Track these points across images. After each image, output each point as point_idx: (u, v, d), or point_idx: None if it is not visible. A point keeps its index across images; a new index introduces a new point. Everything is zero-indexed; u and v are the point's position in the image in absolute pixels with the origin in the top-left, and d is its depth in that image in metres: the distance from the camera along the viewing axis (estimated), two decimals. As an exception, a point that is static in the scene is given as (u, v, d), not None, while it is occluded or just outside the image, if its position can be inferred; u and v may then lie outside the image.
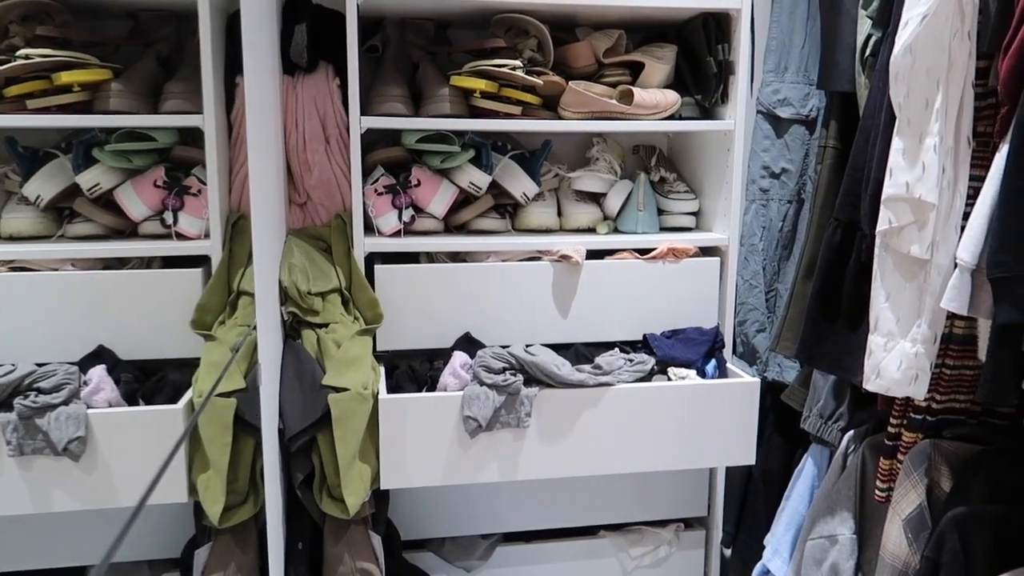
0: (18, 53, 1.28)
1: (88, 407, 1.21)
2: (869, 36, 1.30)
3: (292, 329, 1.42)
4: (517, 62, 1.47)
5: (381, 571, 1.39)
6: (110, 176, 1.40)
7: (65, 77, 1.30)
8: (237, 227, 1.42)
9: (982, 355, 1.09)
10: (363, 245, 1.47)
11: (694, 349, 1.54)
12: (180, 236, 1.41)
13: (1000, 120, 1.05)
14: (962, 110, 1.10)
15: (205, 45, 1.33)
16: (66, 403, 1.19)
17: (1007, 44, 1.01)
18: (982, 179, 1.07)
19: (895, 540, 1.18)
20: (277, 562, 1.30)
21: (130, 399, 1.31)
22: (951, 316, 1.13)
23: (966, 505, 1.09)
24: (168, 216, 1.40)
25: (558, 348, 1.51)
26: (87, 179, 1.39)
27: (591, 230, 1.65)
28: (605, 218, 1.67)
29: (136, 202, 1.41)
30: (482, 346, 1.48)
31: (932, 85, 1.10)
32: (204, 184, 1.40)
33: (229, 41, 1.42)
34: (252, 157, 1.19)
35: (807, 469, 1.47)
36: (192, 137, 1.42)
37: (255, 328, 1.25)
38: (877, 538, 1.23)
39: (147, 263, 1.43)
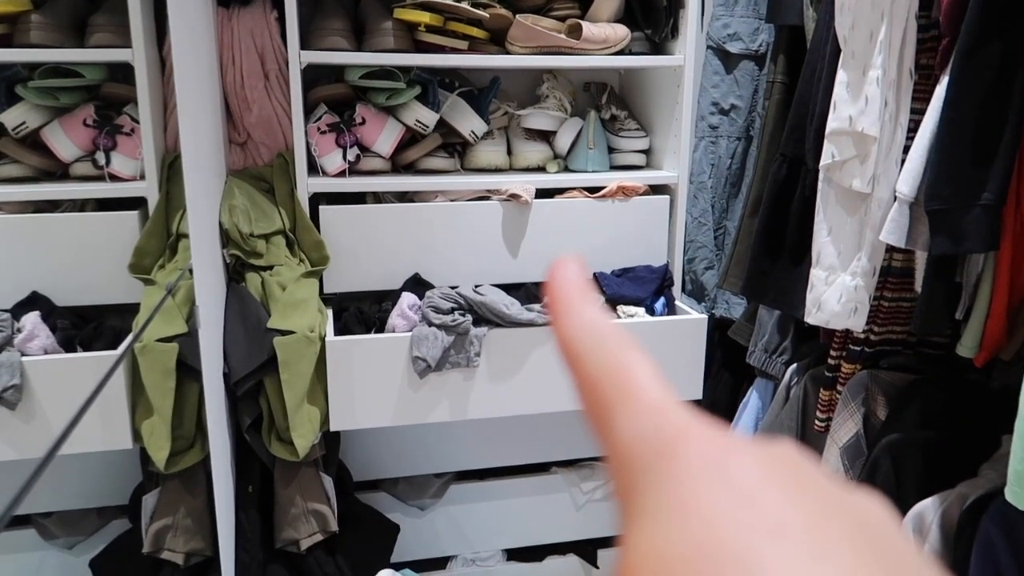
0: (-75, -18, 1.19)
1: (22, 354, 1.18)
2: (817, -32, 1.28)
3: (235, 272, 1.39)
4: (462, -6, 1.42)
5: (333, 512, 1.40)
6: (36, 115, 1.33)
7: (-21, 8, 1.23)
8: (174, 167, 1.36)
9: (919, 287, 1.12)
10: (307, 185, 1.44)
11: (643, 287, 1.54)
12: (114, 177, 1.35)
13: (941, 52, 1.05)
14: (905, 42, 1.10)
15: (131, -27, 1.26)
16: (-2, 351, 1.15)
17: (950, -25, 1.01)
18: (923, 112, 1.07)
19: (832, 467, 1.22)
20: (225, 508, 1.29)
21: (67, 346, 1.27)
22: (890, 249, 1.15)
23: (899, 432, 1.13)
24: (100, 156, 1.34)
25: (508, 288, 1.50)
26: (11, 118, 1.32)
27: (541, 168, 1.63)
28: (555, 156, 1.65)
29: (65, 142, 1.34)
30: (431, 287, 1.47)
31: (876, 16, 1.09)
32: (137, 123, 1.34)
33: (158, -32, 1.35)
34: (181, 93, 1.14)
35: (752, 402, 1.50)
36: (122, 73, 1.35)
37: (191, 271, 1.21)
38: (816, 466, 1.27)
39: (80, 206, 1.38)
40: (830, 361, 1.27)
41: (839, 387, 1.25)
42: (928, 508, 1.04)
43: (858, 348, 1.23)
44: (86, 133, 1.34)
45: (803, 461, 0.18)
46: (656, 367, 0.20)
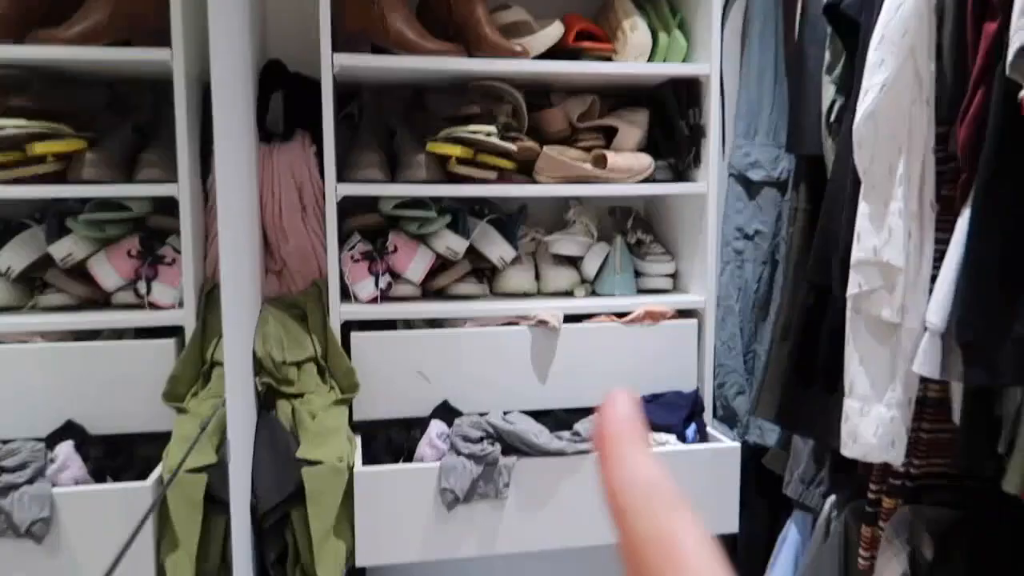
0: (-10, 125, 1.28)
1: (54, 485, 1.18)
2: (834, 102, 1.33)
3: (266, 400, 1.40)
4: (492, 128, 1.48)
5: (357, 650, 1.35)
6: (83, 246, 1.39)
7: (39, 148, 1.30)
8: (211, 296, 1.40)
9: (956, 418, 1.09)
10: (339, 312, 1.47)
11: (674, 413, 1.53)
12: (153, 306, 1.39)
13: (961, 186, 1.07)
14: (924, 175, 1.12)
15: (180, 114, 1.34)
16: (30, 482, 1.16)
17: (964, 111, 1.04)
18: (947, 241, 1.08)
19: (880, 609, 1.16)
20: (248, 644, 1.26)
21: (99, 475, 1.27)
22: (925, 379, 1.14)
23: (950, 573, 1.07)
24: (142, 286, 1.39)
25: (537, 415, 1.49)
26: (60, 249, 1.38)
27: (569, 293, 1.65)
28: (583, 281, 1.68)
29: (109, 272, 1.39)
30: (460, 414, 1.46)
31: (894, 151, 1.12)
32: (178, 252, 1.40)
33: (207, 110, 1.43)
34: (222, 225, 1.19)
35: (790, 536, 1.45)
36: (167, 206, 1.42)
37: (225, 401, 1.23)
38: (862, 607, 1.21)
39: (119, 334, 1.41)
40: (870, 495, 1.23)
41: (881, 523, 1.21)
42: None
43: (899, 482, 1.19)
44: (129, 263, 1.40)
45: None
46: (703, 531, 0.20)
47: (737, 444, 1.48)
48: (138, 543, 1.20)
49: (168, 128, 1.37)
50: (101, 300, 1.43)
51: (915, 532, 1.15)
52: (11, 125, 1.29)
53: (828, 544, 1.30)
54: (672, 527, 0.20)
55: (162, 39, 1.32)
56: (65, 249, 1.38)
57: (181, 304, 1.39)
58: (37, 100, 1.36)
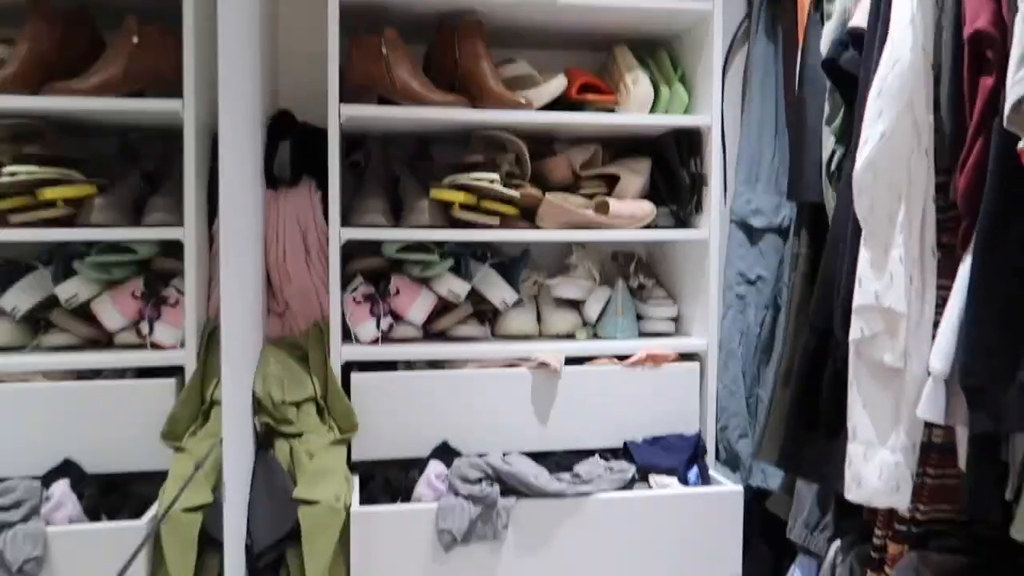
0: (4, 170, 1.30)
1: (48, 524, 1.17)
2: (834, 151, 1.34)
3: (265, 439, 1.39)
4: (495, 175, 1.50)
5: None
6: (88, 287, 1.41)
7: (49, 193, 1.32)
8: (213, 337, 1.41)
9: (962, 464, 1.08)
10: (340, 353, 1.47)
11: (676, 456, 1.51)
12: (156, 346, 1.40)
13: (962, 233, 1.07)
14: (925, 222, 1.13)
15: (189, 162, 1.37)
16: (24, 520, 1.15)
17: (963, 161, 1.05)
18: (949, 287, 1.08)
19: (888, 661, 1.13)
20: None
21: (93, 514, 1.26)
22: (929, 424, 1.13)
23: (957, 624, 1.05)
24: (144, 326, 1.40)
25: (537, 456, 1.48)
26: (65, 290, 1.39)
27: (571, 336, 1.65)
28: (584, 324, 1.68)
29: (113, 313, 1.40)
30: (459, 455, 1.45)
31: (894, 199, 1.13)
32: (182, 294, 1.41)
33: (215, 157, 1.46)
34: (224, 267, 1.20)
35: (795, 583, 1.42)
36: (173, 249, 1.43)
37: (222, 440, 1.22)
38: (870, 659, 1.18)
39: (121, 373, 1.42)
40: (875, 540, 1.21)
41: (887, 569, 1.18)
42: None
43: (904, 527, 1.17)
44: (133, 304, 1.41)
45: None
46: None
47: (740, 488, 1.46)
48: (131, 585, 1.19)
49: (176, 175, 1.40)
50: (104, 340, 1.44)
51: (922, 580, 1.13)
52: (23, 171, 1.32)
53: (834, 593, 1.28)
54: None
55: (174, 90, 1.36)
56: (71, 290, 1.40)
57: (183, 344, 1.40)
58: (50, 147, 1.39)
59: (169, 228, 1.38)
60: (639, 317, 1.69)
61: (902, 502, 1.10)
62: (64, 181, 1.35)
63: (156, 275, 1.46)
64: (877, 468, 1.11)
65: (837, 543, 1.34)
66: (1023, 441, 1.00)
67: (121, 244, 1.41)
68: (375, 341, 1.51)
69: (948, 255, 1.14)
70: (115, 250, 1.40)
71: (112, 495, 1.33)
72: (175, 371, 1.39)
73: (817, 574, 1.38)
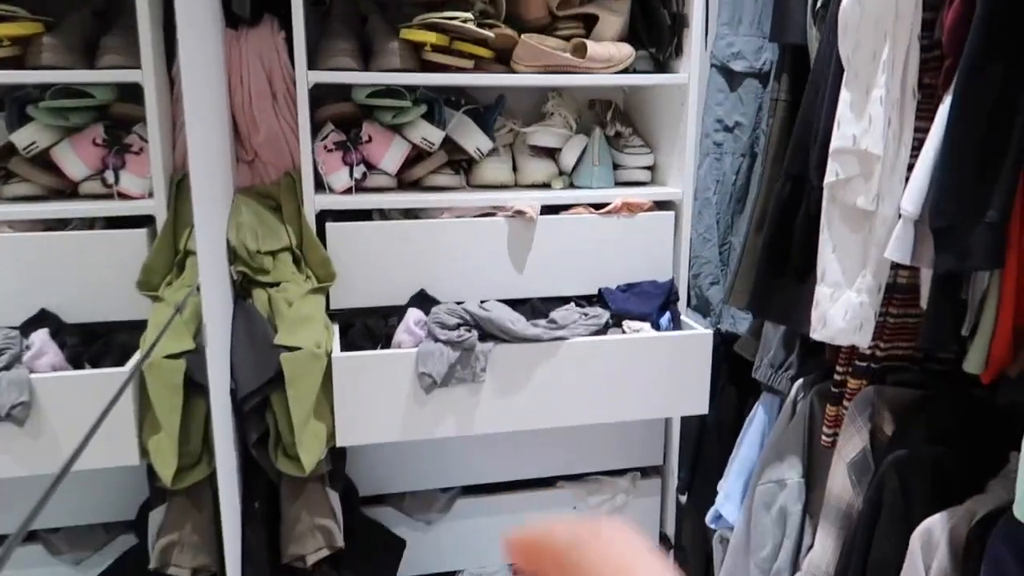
0: (-60, 6, 1.21)
1: (31, 372, 1.18)
2: (820, -11, 1.29)
3: (242, 289, 1.40)
4: (468, 15, 1.43)
5: (339, 527, 1.40)
6: (47, 134, 1.35)
7: (-8, 30, 1.24)
8: (182, 186, 1.38)
9: (924, 303, 1.12)
10: (313, 203, 1.45)
11: (649, 302, 1.55)
12: (123, 196, 1.37)
13: (944, 72, 1.06)
14: (908, 61, 1.11)
15: (141, -1, 1.28)
16: (7, 368, 1.16)
17: (951, -6, 1.01)
18: (927, 131, 1.08)
19: (840, 483, 1.22)
20: (232, 524, 1.30)
21: (76, 363, 1.28)
22: (895, 266, 1.16)
23: (906, 448, 1.12)
24: (109, 175, 1.36)
25: (514, 304, 1.51)
26: (22, 138, 1.33)
27: (546, 185, 1.64)
28: (560, 173, 1.66)
29: (75, 161, 1.36)
30: (437, 303, 1.48)
31: (880, 36, 1.10)
32: (146, 142, 1.36)
33: (167, -7, 1.37)
34: (190, 113, 1.16)
35: (758, 417, 1.50)
36: (132, 93, 1.37)
37: (199, 288, 1.22)
38: (823, 482, 1.27)
39: (89, 224, 1.39)
40: (836, 377, 1.27)
41: (845, 403, 1.25)
42: (936, 525, 1.03)
43: (864, 364, 1.23)
44: (95, 152, 1.36)
45: None
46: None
47: (710, 331, 1.51)
48: (120, 427, 1.22)
49: (129, 13, 1.31)
50: (68, 190, 1.40)
51: (877, 410, 1.20)
52: (-39, 7, 1.23)
53: (793, 423, 1.36)
54: None
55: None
56: (28, 137, 1.34)
57: (151, 194, 1.36)
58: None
59: (126, 71, 1.31)
60: (615, 166, 1.67)
61: (864, 340, 1.15)
62: (7, 18, 1.26)
63: (117, 121, 1.40)
64: (843, 309, 1.15)
65: (799, 382, 1.41)
66: (984, 280, 1.03)
67: (76, 88, 1.34)
68: (348, 190, 1.49)
69: (928, 97, 1.13)
70: (70, 94, 1.33)
71: (94, 345, 1.34)
72: (145, 221, 1.36)
73: (779, 410, 1.46)
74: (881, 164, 1.10)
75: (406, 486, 1.65)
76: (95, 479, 1.39)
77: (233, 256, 1.38)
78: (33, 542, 1.37)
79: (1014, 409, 1.07)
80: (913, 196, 1.06)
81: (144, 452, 1.23)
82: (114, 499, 1.40)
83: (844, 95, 1.14)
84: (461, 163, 1.62)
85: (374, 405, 1.36)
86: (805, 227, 1.26)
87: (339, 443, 1.35)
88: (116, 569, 1.36)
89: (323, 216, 1.47)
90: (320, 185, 1.48)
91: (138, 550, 1.35)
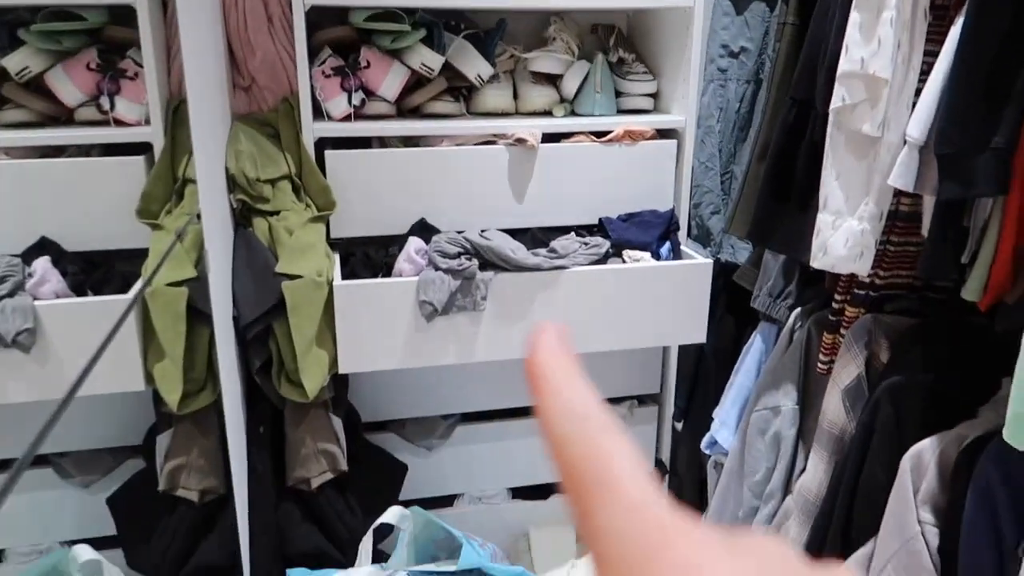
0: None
1: (34, 299, 1.19)
2: (832, -95, 1.24)
3: (242, 217, 1.39)
4: (467, -68, 1.39)
5: (343, 452, 1.43)
6: (39, 59, 1.32)
7: (-24, -53, 1.20)
8: (179, 112, 1.36)
9: (925, 231, 1.11)
10: (312, 130, 1.43)
11: (649, 232, 1.55)
12: (118, 122, 1.35)
13: (957, -8, 1.03)
14: (921, -20, 1.08)
15: (131, -87, 1.24)
16: (11, 295, 1.17)
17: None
18: (936, 55, 1.06)
19: (834, 409, 1.24)
20: (237, 448, 1.33)
21: (78, 291, 1.28)
22: (897, 193, 1.15)
23: (901, 375, 1.14)
24: (104, 101, 1.34)
25: (514, 233, 1.50)
26: (14, 62, 1.31)
27: (547, 113, 1.62)
28: (562, 100, 1.64)
29: (69, 86, 1.33)
30: (437, 232, 1.47)
31: (891, -45, 1.07)
32: (141, 67, 1.33)
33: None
34: (185, 35, 1.13)
35: (755, 345, 1.52)
36: (125, 16, 1.33)
37: (199, 216, 1.22)
38: (817, 408, 1.29)
39: (86, 151, 1.38)
40: (834, 305, 1.28)
41: (842, 331, 1.26)
42: (927, 448, 1.05)
43: (863, 292, 1.24)
44: (90, 77, 1.33)
45: (784, 559, 0.19)
46: (638, 455, 0.20)
47: (709, 261, 1.51)
48: (125, 353, 1.23)
49: (119, -70, 1.27)
50: (63, 117, 1.38)
51: (873, 338, 1.21)
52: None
53: (790, 351, 1.37)
54: (606, 449, 0.20)
55: None
56: (20, 62, 1.31)
57: (148, 121, 1.34)
58: None
59: (117, -9, 1.28)
60: (617, 93, 1.65)
61: (864, 268, 1.15)
62: (-7, -64, 1.22)
63: (111, 46, 1.37)
64: (844, 236, 1.15)
65: (797, 310, 1.41)
66: (987, 207, 1.03)
67: (68, 10, 1.31)
68: (347, 117, 1.47)
69: (940, 19, 1.10)
70: (62, 17, 1.30)
71: (95, 273, 1.35)
72: (143, 148, 1.35)
73: (776, 339, 1.47)
74: (888, 89, 1.09)
75: (407, 413, 1.68)
76: (102, 405, 1.41)
77: (232, 184, 1.37)
78: (43, 466, 1.40)
79: (1010, 337, 1.08)
80: (919, 122, 1.05)
81: (149, 378, 1.25)
82: (121, 425, 1.43)
83: (854, 16, 1.11)
84: (461, 90, 1.59)
85: (375, 333, 1.37)
86: (809, 154, 1.25)
87: (341, 370, 1.37)
88: (125, 492, 1.40)
89: (322, 144, 1.46)
90: (318, 112, 1.46)
91: (146, 473, 1.39)
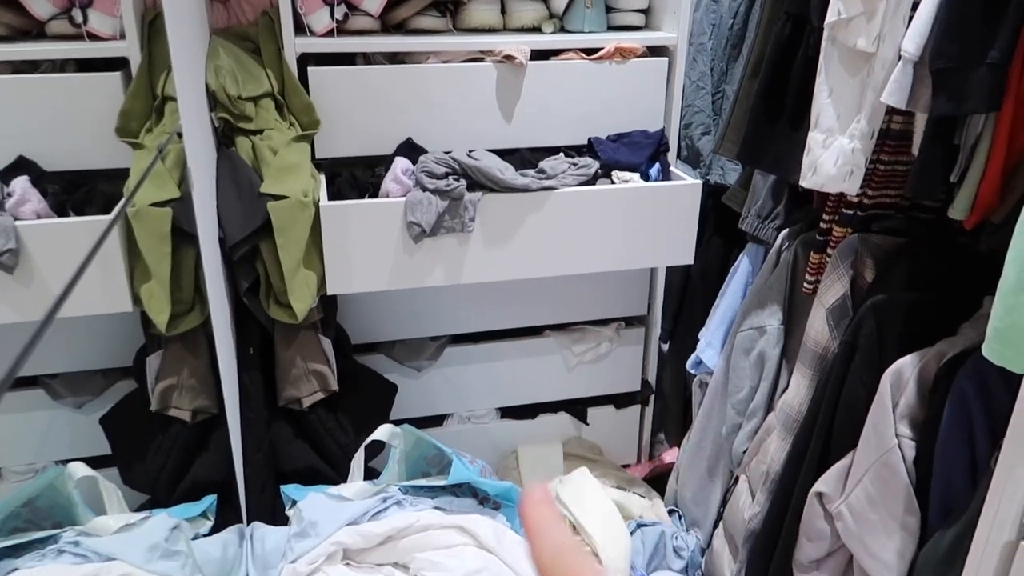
0: None
1: (15, 219, 1.17)
2: None
3: (225, 136, 1.36)
4: None
5: (333, 372, 1.44)
6: (6, -32, 1.27)
7: None
8: (155, 26, 1.31)
9: (916, 150, 1.11)
10: (294, 45, 1.39)
11: (639, 152, 1.53)
12: (92, 36, 1.30)
13: (959, -101, 1.00)
14: None
15: None
16: (-9, 215, 1.15)
17: None
18: (935, -34, 1.03)
19: (818, 327, 1.26)
20: (228, 368, 1.33)
21: (60, 211, 1.26)
22: (889, 111, 1.14)
23: (885, 293, 1.15)
24: (77, 14, 1.29)
25: (502, 153, 1.48)
26: (-21, -29, 1.25)
27: (536, 29, 1.57)
28: (551, 16, 1.59)
29: (38, -3, 1.28)
30: (424, 152, 1.45)
31: None
32: (113, -24, 1.28)
33: None
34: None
35: (742, 266, 1.52)
36: (93, -79, 1.27)
37: (180, 135, 1.19)
38: (802, 328, 1.31)
39: (60, 67, 1.33)
40: (822, 225, 1.28)
41: (829, 251, 1.27)
42: (907, 364, 1.08)
43: (851, 212, 1.24)
44: (60, -12, 1.28)
45: None
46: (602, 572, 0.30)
47: (699, 182, 1.50)
48: (111, 274, 1.23)
49: None
50: (35, 31, 1.33)
51: (859, 257, 1.22)
52: None
53: (777, 271, 1.38)
54: (578, 569, 0.30)
55: None
56: (-15, -29, 1.26)
57: (123, 35, 1.30)
58: None
59: None
60: (608, 9, 1.60)
61: (853, 187, 1.15)
62: None
63: (79, -46, 1.31)
64: (834, 155, 1.14)
65: (785, 231, 1.42)
66: (977, 124, 1.02)
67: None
68: (330, 32, 1.42)
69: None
70: (26, -77, 1.24)
71: (76, 193, 1.32)
72: (119, 64, 1.31)
73: (763, 260, 1.48)
74: (885, 2, 1.06)
75: (397, 334, 1.69)
76: (91, 327, 1.41)
77: (213, 102, 1.33)
78: (34, 387, 1.41)
79: (994, 256, 1.09)
80: (915, 36, 1.02)
81: (136, 300, 1.25)
82: (111, 346, 1.43)
83: (852, -74, 1.08)
84: (447, 4, 1.54)
85: (363, 254, 1.37)
86: (802, 71, 1.22)
87: (329, 291, 1.37)
88: (117, 412, 1.41)
89: (304, 60, 1.42)
90: (300, 27, 1.41)
91: (138, 394, 1.40)
